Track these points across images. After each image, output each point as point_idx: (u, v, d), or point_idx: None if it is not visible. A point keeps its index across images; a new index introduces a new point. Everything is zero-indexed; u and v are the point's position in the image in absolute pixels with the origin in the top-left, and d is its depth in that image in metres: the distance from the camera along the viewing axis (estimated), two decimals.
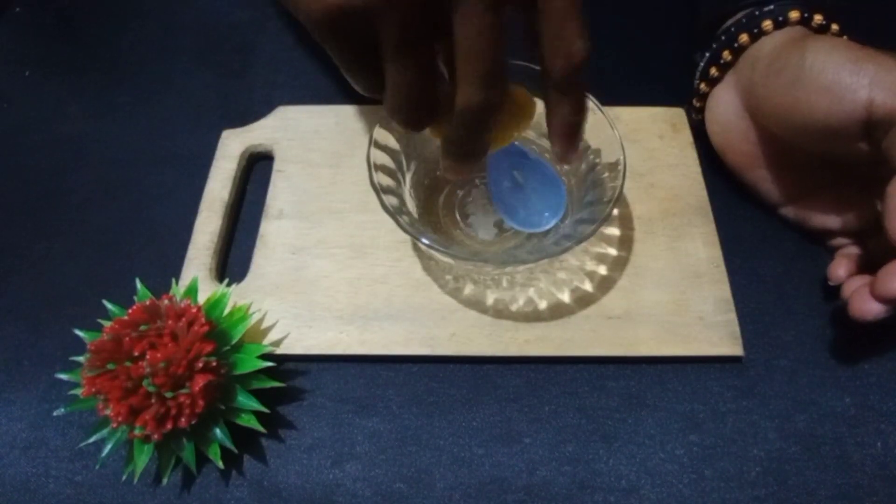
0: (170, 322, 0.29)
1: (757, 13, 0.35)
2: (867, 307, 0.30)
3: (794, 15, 0.34)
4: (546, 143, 0.38)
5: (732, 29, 0.36)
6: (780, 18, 0.34)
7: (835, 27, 0.35)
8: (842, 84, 0.30)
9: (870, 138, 0.30)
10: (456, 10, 0.23)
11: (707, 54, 0.37)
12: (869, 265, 0.34)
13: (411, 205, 0.36)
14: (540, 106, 0.38)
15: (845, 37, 0.35)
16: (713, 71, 0.37)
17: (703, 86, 0.38)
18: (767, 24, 0.34)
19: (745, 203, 0.39)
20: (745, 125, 0.36)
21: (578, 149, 0.29)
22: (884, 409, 0.33)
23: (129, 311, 0.29)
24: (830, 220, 0.36)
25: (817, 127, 0.31)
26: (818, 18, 0.35)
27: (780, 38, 0.34)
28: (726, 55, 0.36)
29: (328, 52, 0.25)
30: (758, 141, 0.36)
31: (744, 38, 0.35)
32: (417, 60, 0.24)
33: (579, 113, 0.27)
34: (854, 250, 0.35)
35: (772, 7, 0.35)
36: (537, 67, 0.28)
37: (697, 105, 0.39)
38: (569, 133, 0.28)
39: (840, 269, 0.33)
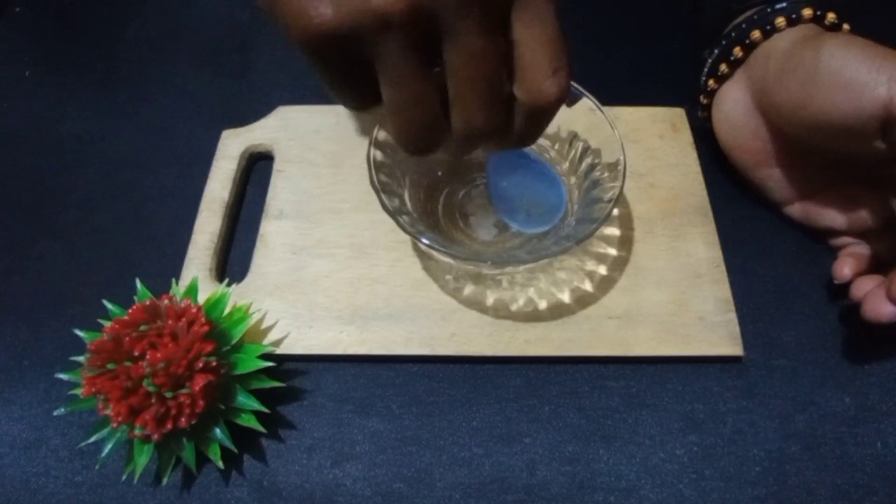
0: (170, 322, 0.29)
1: (769, 10, 0.35)
2: (882, 309, 0.30)
3: (807, 12, 0.34)
4: (546, 144, 0.38)
5: (744, 25, 0.36)
6: (794, 16, 0.34)
7: (846, 26, 0.35)
8: (860, 81, 0.30)
9: (886, 136, 0.30)
10: (447, 34, 0.22)
11: (716, 51, 0.37)
12: (876, 265, 0.34)
13: (411, 205, 0.36)
14: None
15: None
16: (723, 67, 0.37)
17: (711, 82, 0.38)
18: (780, 20, 0.34)
19: (745, 203, 0.39)
20: (754, 122, 0.36)
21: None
22: (884, 409, 0.33)
23: (129, 311, 0.29)
24: (838, 220, 0.36)
25: (833, 124, 0.31)
26: (831, 17, 0.34)
27: (793, 35, 0.34)
28: (737, 51, 0.36)
29: (312, 70, 0.24)
30: (768, 138, 0.36)
31: (756, 34, 0.35)
32: (418, 84, 0.23)
33: (521, 143, 0.27)
34: (860, 250, 0.35)
35: (784, 4, 0.35)
36: None
37: (704, 102, 0.39)
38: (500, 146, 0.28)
39: (846, 267, 0.33)
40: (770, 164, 0.37)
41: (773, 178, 0.37)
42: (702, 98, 0.39)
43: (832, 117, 0.31)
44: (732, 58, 0.36)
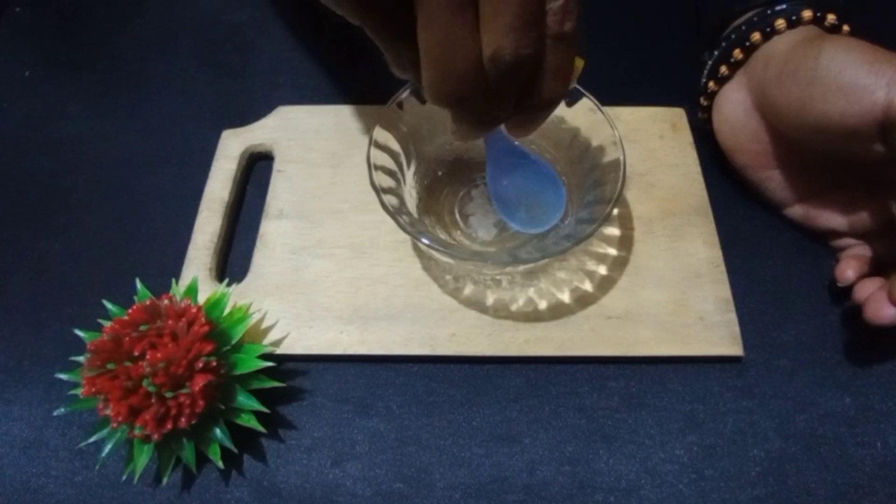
0: (170, 322, 0.29)
1: (769, 12, 0.35)
2: (885, 312, 0.30)
3: (807, 14, 0.34)
4: (546, 143, 0.38)
5: (743, 27, 0.36)
6: (794, 17, 0.34)
7: (846, 28, 0.35)
8: (859, 85, 0.30)
9: (885, 139, 0.30)
10: None
11: (716, 53, 0.37)
12: (877, 267, 0.34)
13: (411, 205, 0.36)
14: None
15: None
16: (723, 69, 0.37)
17: (711, 84, 0.38)
18: (780, 22, 0.34)
19: (745, 203, 0.39)
20: (755, 124, 0.36)
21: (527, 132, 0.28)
22: (884, 409, 0.33)
23: (129, 311, 0.29)
24: (838, 221, 0.36)
25: (832, 127, 0.31)
26: (831, 18, 0.35)
27: (793, 38, 0.34)
28: (737, 53, 0.36)
29: (368, 32, 0.24)
30: (768, 140, 0.36)
31: (756, 36, 0.35)
32: (450, 21, 0.22)
33: (551, 87, 0.25)
34: (861, 251, 0.35)
35: (784, 6, 0.35)
36: None
37: (704, 104, 0.39)
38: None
39: (848, 270, 0.33)
40: (770, 165, 0.37)
41: (774, 180, 0.37)
42: (702, 100, 0.39)
43: (832, 120, 0.31)
44: (732, 60, 0.36)
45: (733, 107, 0.37)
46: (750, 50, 0.36)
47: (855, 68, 0.30)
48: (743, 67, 0.37)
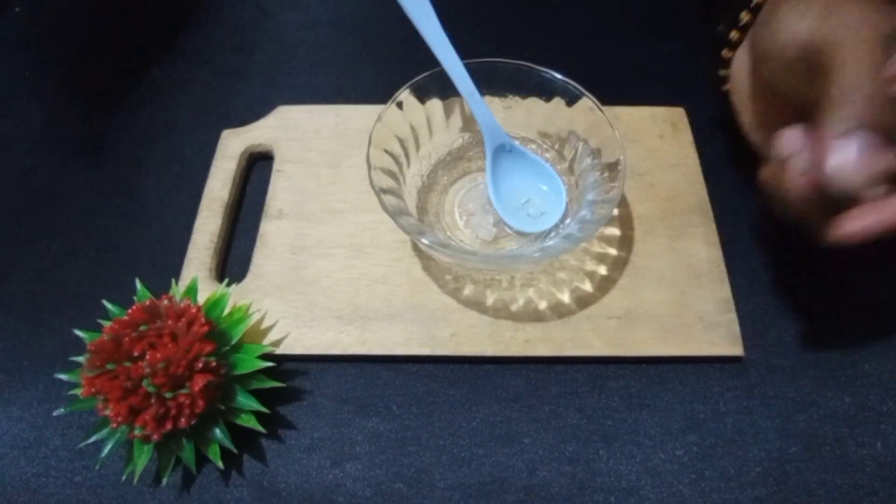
0: (170, 322, 0.29)
1: None
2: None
3: None
4: (546, 144, 0.38)
5: None
6: None
7: None
8: (791, 19, 0.30)
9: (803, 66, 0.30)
10: None
11: (727, 20, 0.37)
12: None
13: (411, 205, 0.36)
14: (528, 104, 0.38)
15: None
16: (734, 35, 0.36)
17: (726, 52, 0.37)
18: None
19: (745, 203, 0.39)
20: (753, 81, 0.36)
21: None
22: (884, 409, 0.33)
23: (129, 311, 0.29)
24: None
25: (776, 58, 0.31)
26: None
27: None
28: (744, 16, 0.36)
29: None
30: (766, 97, 0.36)
31: None
32: None
33: None
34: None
35: None
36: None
37: (723, 74, 0.39)
38: None
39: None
40: (768, 124, 0.36)
41: (767, 137, 0.36)
42: (720, 70, 0.39)
43: (774, 52, 0.31)
44: (741, 24, 0.36)
45: (739, 67, 0.37)
46: (755, 10, 0.35)
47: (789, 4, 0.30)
48: (750, 28, 0.36)
